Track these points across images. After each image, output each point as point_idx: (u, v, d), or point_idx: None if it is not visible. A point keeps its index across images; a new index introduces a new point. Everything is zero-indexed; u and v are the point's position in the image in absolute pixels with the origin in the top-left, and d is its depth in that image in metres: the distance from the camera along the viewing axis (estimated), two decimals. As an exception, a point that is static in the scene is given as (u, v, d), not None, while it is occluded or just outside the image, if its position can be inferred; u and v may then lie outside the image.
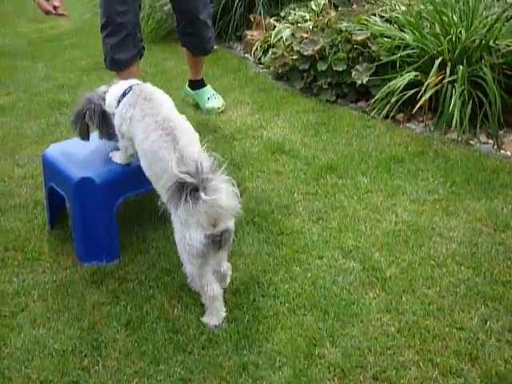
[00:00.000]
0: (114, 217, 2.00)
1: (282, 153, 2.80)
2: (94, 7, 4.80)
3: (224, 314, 1.73)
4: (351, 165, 2.65)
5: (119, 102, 1.90)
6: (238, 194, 1.60)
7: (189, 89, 3.34)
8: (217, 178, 1.56)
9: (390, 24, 3.31)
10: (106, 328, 1.72)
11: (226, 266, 1.82)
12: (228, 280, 1.85)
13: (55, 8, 2.28)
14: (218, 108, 3.23)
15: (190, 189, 1.53)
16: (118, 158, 2.02)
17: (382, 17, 3.40)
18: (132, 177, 2.03)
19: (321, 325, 1.72)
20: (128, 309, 1.80)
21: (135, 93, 1.88)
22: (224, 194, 1.54)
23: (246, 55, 4.37)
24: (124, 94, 1.90)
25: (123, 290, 1.88)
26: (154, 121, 1.77)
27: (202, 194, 1.51)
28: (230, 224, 1.68)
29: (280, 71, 3.70)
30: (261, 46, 4.09)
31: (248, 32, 4.40)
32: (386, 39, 3.17)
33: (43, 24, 5.65)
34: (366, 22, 3.31)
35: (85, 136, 2.03)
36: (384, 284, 1.88)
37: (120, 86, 1.97)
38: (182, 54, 4.34)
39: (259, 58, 4.09)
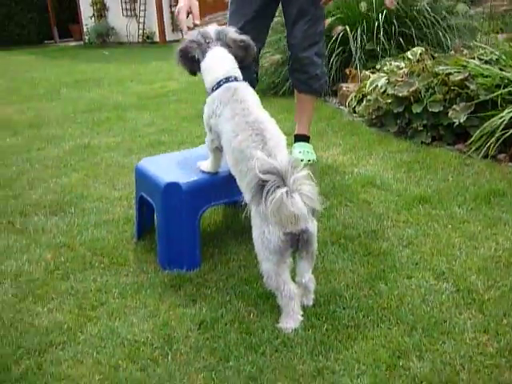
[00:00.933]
0: (198, 224, 2.01)
1: (373, 186, 2.71)
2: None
3: (301, 318, 1.64)
4: (447, 197, 2.50)
5: (212, 89, 1.91)
6: (317, 196, 1.52)
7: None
8: (298, 179, 1.50)
9: (490, 65, 3.21)
10: (180, 326, 1.68)
11: (308, 278, 1.72)
12: (311, 296, 1.75)
13: (195, 25, 2.39)
14: (308, 161, 3.03)
15: (271, 187, 1.49)
16: (205, 167, 2.05)
17: (481, 59, 3.31)
18: (218, 186, 2.04)
19: (407, 339, 1.56)
20: (203, 310, 1.75)
21: (229, 91, 1.86)
22: (300, 197, 1.47)
23: (341, 107, 4.42)
24: (219, 84, 1.90)
25: (200, 295, 1.85)
26: (244, 121, 1.76)
27: (275, 196, 1.46)
28: (310, 225, 1.61)
29: (374, 117, 3.69)
30: (355, 97, 4.12)
31: (343, 84, 4.47)
32: (485, 79, 3.07)
33: (153, 85, 6.14)
34: (464, 64, 3.24)
35: (193, 71, 2.04)
36: (481, 306, 1.69)
37: (220, 64, 1.94)
38: (278, 106, 4.51)
39: (353, 108, 4.11)
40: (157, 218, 2.10)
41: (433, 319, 1.64)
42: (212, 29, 1.99)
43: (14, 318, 1.77)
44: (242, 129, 1.76)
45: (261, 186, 1.51)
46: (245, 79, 2.82)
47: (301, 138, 3.15)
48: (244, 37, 2.02)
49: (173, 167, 2.14)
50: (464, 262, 1.95)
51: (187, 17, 2.39)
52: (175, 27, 12.66)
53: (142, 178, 2.18)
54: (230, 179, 2.01)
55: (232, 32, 2.00)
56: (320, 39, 2.95)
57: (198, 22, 2.37)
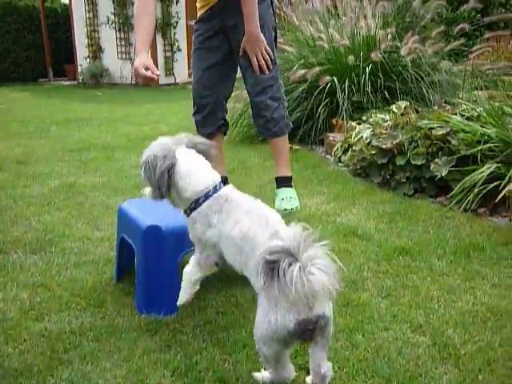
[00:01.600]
0: (177, 269, 2.00)
1: (354, 236, 2.73)
2: (188, 113, 5.22)
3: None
4: (427, 249, 2.53)
5: (198, 201, 1.71)
6: (336, 272, 1.34)
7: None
8: (311, 253, 1.33)
9: (472, 121, 3.30)
10: (153, 372, 1.65)
11: (327, 368, 1.49)
12: (327, 382, 1.51)
13: (157, 76, 2.45)
14: (291, 209, 2.89)
15: (283, 266, 1.32)
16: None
17: (462, 115, 3.41)
18: (199, 231, 2.05)
19: (382, 393, 1.55)
20: (178, 357, 1.72)
21: (221, 198, 1.70)
22: (319, 272, 1.31)
23: (327, 156, 4.50)
24: (207, 196, 1.70)
25: (176, 341, 1.83)
26: (242, 210, 1.64)
27: (295, 272, 1.30)
28: (327, 310, 1.41)
29: (358, 167, 3.75)
30: (341, 146, 4.19)
31: (330, 134, 4.56)
32: (466, 134, 3.15)
33: (143, 127, 6.21)
34: (446, 119, 3.33)
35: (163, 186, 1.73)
36: (457, 361, 1.69)
37: (201, 173, 1.74)
38: (265, 153, 4.58)
39: (339, 157, 4.18)
40: (136, 261, 2.09)
41: (408, 373, 1.63)
42: (164, 138, 1.80)
43: (-16, 358, 1.73)
44: (242, 216, 1.63)
45: (271, 267, 1.34)
46: (213, 125, 2.93)
47: (282, 180, 3.02)
48: (203, 139, 1.89)
49: (155, 210, 2.14)
50: (442, 316, 1.96)
51: (146, 70, 2.41)
52: (168, 72, 12.90)
53: (124, 220, 2.18)
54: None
55: (190, 136, 1.85)
56: (274, 83, 2.88)
57: (158, 72, 2.43)
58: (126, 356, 1.74)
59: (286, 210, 2.89)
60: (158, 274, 1.99)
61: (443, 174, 3.12)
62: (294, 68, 4.82)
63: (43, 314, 2.00)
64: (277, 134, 2.97)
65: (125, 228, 2.18)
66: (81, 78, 14.22)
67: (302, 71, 4.63)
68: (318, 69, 4.62)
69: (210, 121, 2.94)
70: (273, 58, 2.86)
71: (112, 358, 1.73)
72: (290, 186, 3.05)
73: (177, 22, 12.60)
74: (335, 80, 4.70)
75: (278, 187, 3.05)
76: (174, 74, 12.79)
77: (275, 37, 2.91)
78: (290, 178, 3.05)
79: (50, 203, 3.36)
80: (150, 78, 2.44)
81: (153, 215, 2.08)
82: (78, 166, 4.37)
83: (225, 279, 2.24)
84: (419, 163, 3.27)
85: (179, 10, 12.50)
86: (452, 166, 3.13)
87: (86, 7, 13.84)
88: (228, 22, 2.81)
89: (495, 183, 2.85)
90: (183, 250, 2.01)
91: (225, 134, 3.07)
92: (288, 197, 3.01)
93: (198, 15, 2.93)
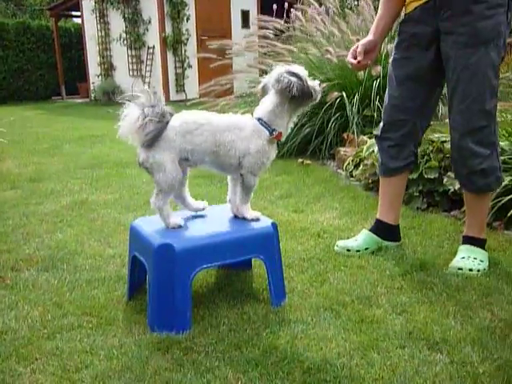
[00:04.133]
0: (189, 287, 1.99)
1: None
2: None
3: None
4: (442, 264, 2.49)
5: None
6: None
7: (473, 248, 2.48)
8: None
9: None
10: (165, 392, 1.63)
11: None
12: None
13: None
14: (470, 270, 2.36)
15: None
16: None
17: (475, 128, 3.37)
18: (212, 249, 2.03)
19: (399, 413, 1.51)
20: (189, 376, 1.70)
21: None
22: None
23: (339, 170, 4.48)
24: None
25: (188, 359, 1.80)
26: None
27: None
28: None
29: (370, 181, 3.72)
30: (353, 161, 4.17)
31: (341, 148, 4.54)
32: (480, 147, 3.11)
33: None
34: (458, 132, 3.29)
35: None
36: (476, 379, 1.65)
37: None
38: (277, 168, 4.56)
39: (351, 172, 4.16)
40: (148, 279, 2.08)
41: (426, 392, 1.59)
42: None
43: (-5, 378, 1.72)
44: None
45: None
46: (401, 160, 2.58)
47: (470, 240, 2.53)
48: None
49: (167, 228, 2.14)
50: (459, 332, 1.92)
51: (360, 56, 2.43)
52: (179, 88, 12.99)
53: (136, 238, 2.17)
54: (224, 242, 2.02)
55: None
56: (489, 123, 2.27)
57: (362, 60, 2.44)
58: (138, 376, 1.72)
59: (460, 269, 2.38)
60: (171, 292, 1.97)
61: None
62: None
63: (55, 333, 1.99)
64: (482, 189, 2.41)
65: (136, 246, 2.17)
66: (93, 95, 14.37)
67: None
68: (325, 85, 4.62)
69: (398, 153, 2.57)
70: (495, 86, 2.24)
71: (123, 377, 1.71)
72: (480, 247, 2.50)
73: (187, 39, 12.71)
74: (344, 95, 4.70)
75: (462, 243, 2.55)
76: (184, 91, 12.87)
77: (503, 57, 2.27)
78: (482, 241, 2.52)
79: (62, 220, 3.37)
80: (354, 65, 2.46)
81: (165, 233, 2.07)
82: (90, 182, 4.40)
83: (237, 296, 2.23)
84: (432, 177, 3.24)
85: (189, 27, 12.62)
86: (465, 180, 3.08)
87: (99, 26, 14.04)
88: (444, 22, 2.23)
89: (510, 196, 2.81)
90: (196, 267, 2.00)
91: (411, 171, 2.68)
92: (469, 256, 2.44)
93: (405, 13, 2.40)
